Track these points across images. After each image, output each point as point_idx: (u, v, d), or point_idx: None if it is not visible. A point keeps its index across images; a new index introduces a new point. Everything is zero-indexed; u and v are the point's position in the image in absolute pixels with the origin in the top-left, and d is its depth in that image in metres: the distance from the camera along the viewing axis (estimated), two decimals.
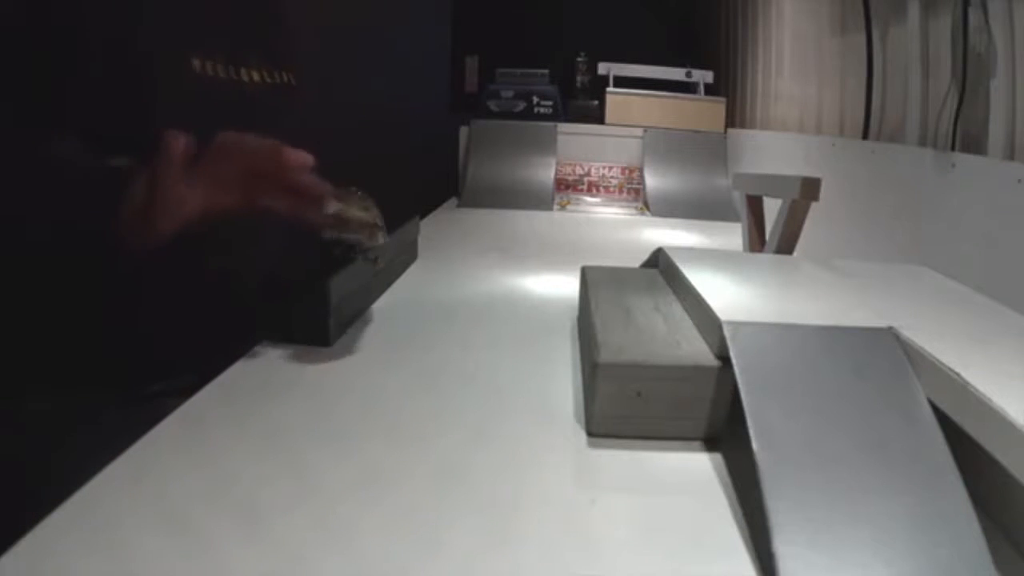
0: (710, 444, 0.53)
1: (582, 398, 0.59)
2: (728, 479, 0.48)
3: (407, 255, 1.04)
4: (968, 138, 1.02)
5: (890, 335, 0.52)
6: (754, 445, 0.43)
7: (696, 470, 0.50)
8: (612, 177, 2.06)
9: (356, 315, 0.78)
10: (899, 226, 1.08)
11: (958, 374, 0.45)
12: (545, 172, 2.01)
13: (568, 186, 2.03)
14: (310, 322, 0.69)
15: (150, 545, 0.38)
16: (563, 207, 1.91)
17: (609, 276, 0.77)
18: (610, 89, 2.19)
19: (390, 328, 0.76)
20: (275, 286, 0.69)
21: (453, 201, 1.87)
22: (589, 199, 2.01)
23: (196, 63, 0.64)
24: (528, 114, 2.16)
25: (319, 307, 0.68)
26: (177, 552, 0.38)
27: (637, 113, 2.15)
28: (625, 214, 1.90)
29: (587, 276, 0.76)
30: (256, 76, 0.72)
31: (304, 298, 0.69)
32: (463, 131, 2.04)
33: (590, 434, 0.54)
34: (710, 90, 2.27)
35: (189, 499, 0.42)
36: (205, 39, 0.66)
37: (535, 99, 2.17)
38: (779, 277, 0.75)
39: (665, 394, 0.53)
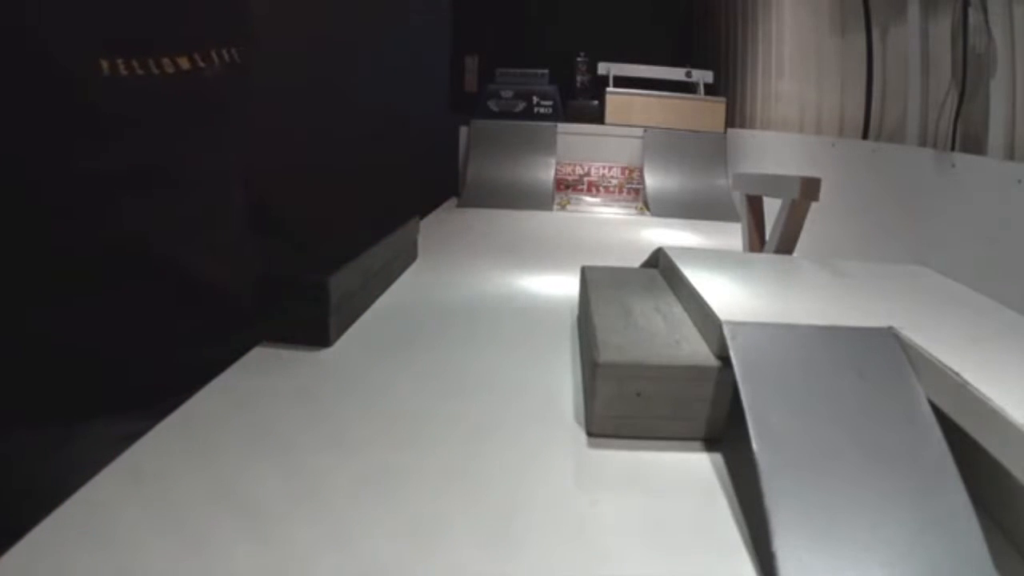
0: (710, 444, 0.53)
1: (582, 398, 0.59)
2: (728, 479, 0.48)
3: (407, 255, 1.04)
4: (968, 138, 1.02)
5: (890, 335, 0.52)
6: (754, 445, 0.43)
7: (696, 470, 0.50)
8: (612, 177, 2.06)
9: (356, 315, 0.78)
10: (899, 226, 1.08)
11: (958, 374, 0.45)
12: (545, 172, 2.01)
13: (568, 186, 2.03)
14: (310, 322, 0.68)
15: (150, 544, 0.38)
16: (563, 207, 1.91)
17: (609, 276, 0.77)
18: (610, 89, 2.19)
19: (390, 328, 0.76)
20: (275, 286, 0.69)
21: (453, 201, 1.87)
22: (589, 199, 2.01)
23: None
24: (528, 114, 2.16)
25: (319, 307, 0.68)
26: (177, 551, 0.38)
27: (637, 113, 2.15)
28: (625, 214, 1.90)
29: (587, 276, 0.76)
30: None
31: (304, 298, 0.69)
32: (463, 131, 2.04)
33: (590, 434, 0.53)
34: (710, 90, 2.27)
35: (189, 499, 0.42)
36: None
37: (535, 99, 2.17)
38: (779, 277, 0.75)
39: (665, 394, 0.53)
